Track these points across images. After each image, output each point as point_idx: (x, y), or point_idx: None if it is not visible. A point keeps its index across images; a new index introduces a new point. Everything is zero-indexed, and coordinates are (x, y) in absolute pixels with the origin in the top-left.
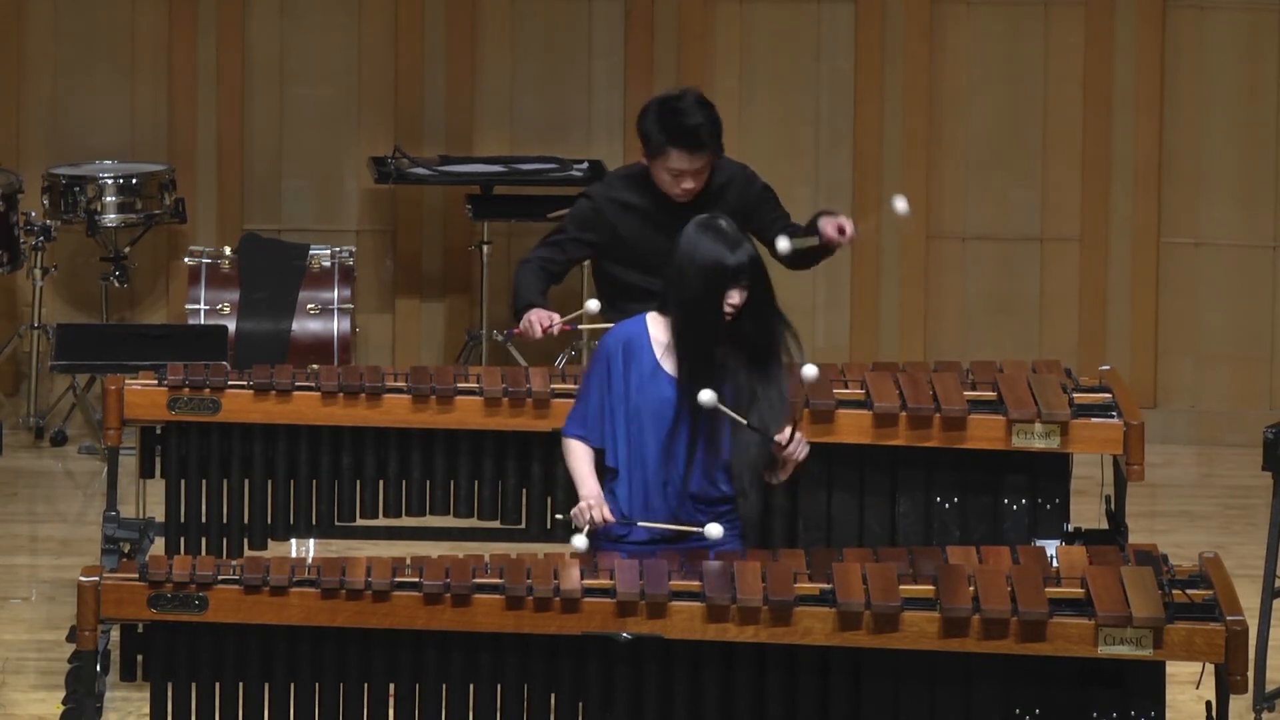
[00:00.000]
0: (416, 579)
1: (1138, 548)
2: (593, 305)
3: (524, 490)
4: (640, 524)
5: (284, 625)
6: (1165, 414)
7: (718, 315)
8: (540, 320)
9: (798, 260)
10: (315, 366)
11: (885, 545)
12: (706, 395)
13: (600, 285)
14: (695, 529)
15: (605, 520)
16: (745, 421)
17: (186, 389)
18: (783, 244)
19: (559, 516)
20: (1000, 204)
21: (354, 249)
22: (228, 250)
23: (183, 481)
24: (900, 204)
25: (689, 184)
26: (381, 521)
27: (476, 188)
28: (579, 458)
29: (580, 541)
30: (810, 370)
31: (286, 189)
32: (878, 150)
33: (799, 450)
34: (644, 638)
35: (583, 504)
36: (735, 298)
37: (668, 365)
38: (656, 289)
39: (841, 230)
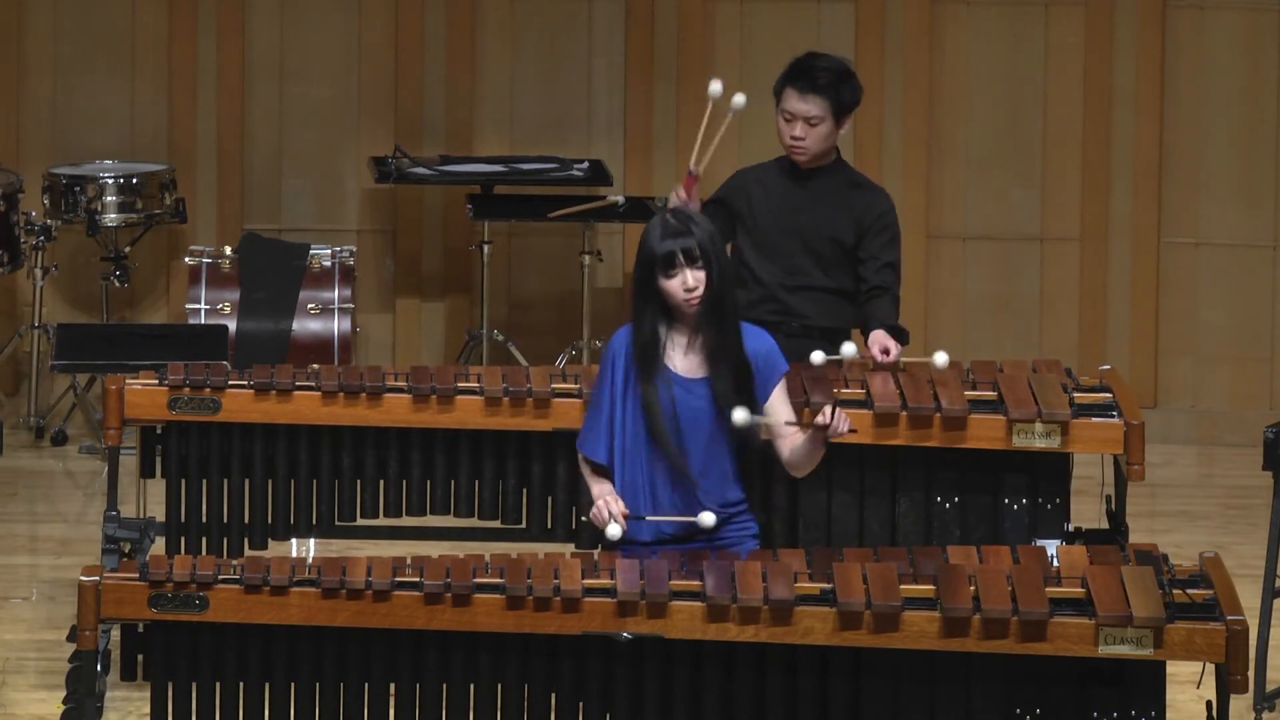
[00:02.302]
0: (417, 579)
1: (1138, 548)
2: (614, 530)
3: (524, 490)
4: (648, 518)
5: (284, 625)
6: (1165, 414)
7: (651, 302)
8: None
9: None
10: (315, 366)
11: (885, 545)
12: (740, 415)
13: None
14: (692, 519)
15: (622, 512)
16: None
17: (187, 389)
18: (817, 357)
19: (584, 518)
20: (1000, 204)
21: (354, 249)
22: (228, 250)
23: (183, 481)
24: (941, 358)
25: (798, 131)
26: (381, 521)
27: (477, 187)
28: (586, 470)
29: (614, 530)
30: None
31: (286, 189)
32: (878, 150)
33: (841, 425)
34: (644, 638)
35: (599, 501)
36: (689, 279)
37: (672, 363)
38: (771, 280)
39: (886, 352)
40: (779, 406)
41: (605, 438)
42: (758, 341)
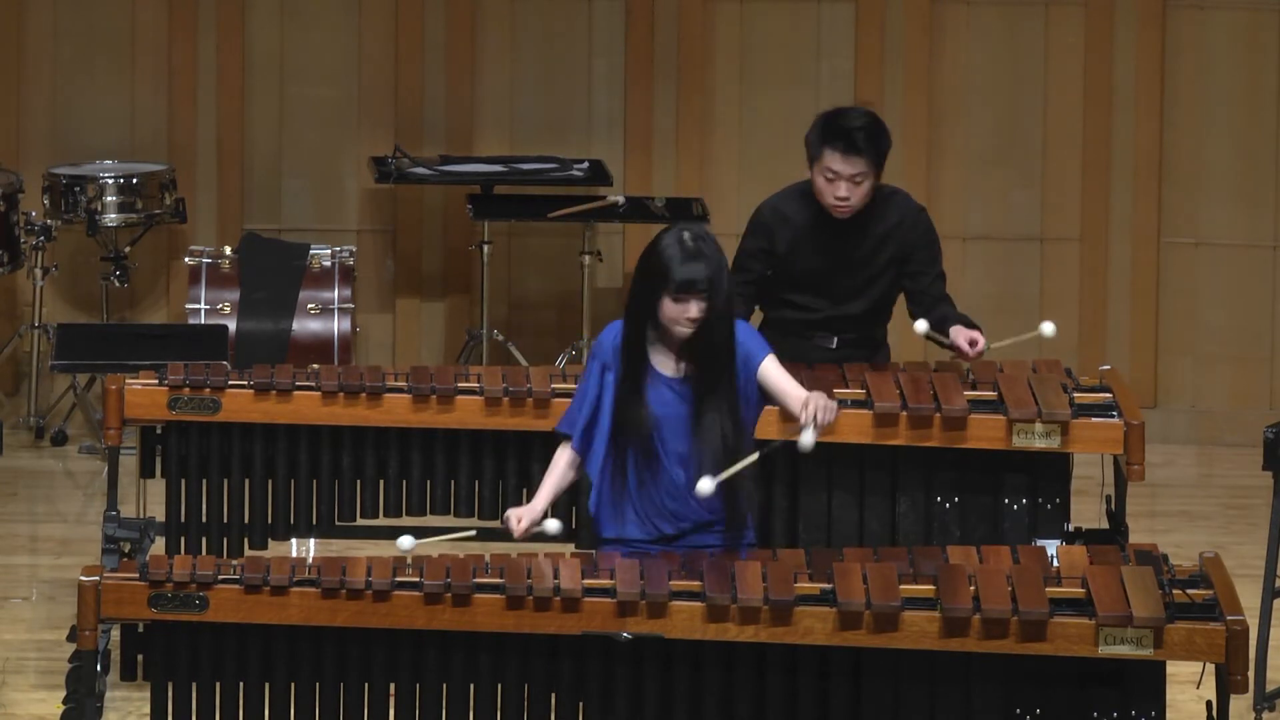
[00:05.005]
0: (416, 579)
1: (1138, 548)
2: (551, 525)
3: (524, 490)
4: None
5: (284, 625)
6: (1165, 414)
7: (646, 317)
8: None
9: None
10: (315, 366)
11: (885, 545)
12: (705, 485)
13: (766, 313)
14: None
15: (523, 532)
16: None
17: (187, 389)
18: (921, 326)
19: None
20: (1000, 204)
21: (354, 249)
22: (228, 250)
23: (183, 481)
24: (1048, 328)
25: (843, 191)
26: (381, 521)
27: (477, 187)
28: (553, 465)
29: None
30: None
31: (286, 189)
32: None
33: (823, 416)
34: (644, 638)
35: (516, 511)
36: (693, 310)
37: (659, 366)
38: (815, 319)
39: (974, 343)
40: (781, 384)
41: (583, 426)
42: (739, 334)
